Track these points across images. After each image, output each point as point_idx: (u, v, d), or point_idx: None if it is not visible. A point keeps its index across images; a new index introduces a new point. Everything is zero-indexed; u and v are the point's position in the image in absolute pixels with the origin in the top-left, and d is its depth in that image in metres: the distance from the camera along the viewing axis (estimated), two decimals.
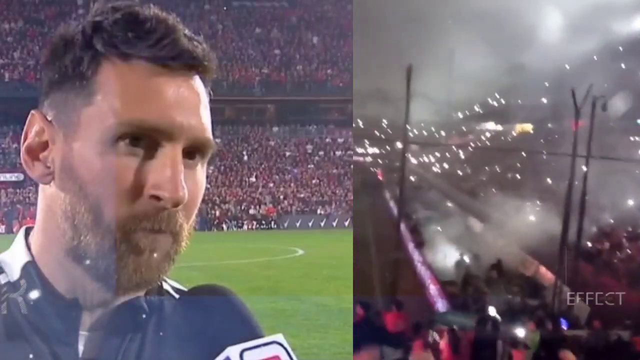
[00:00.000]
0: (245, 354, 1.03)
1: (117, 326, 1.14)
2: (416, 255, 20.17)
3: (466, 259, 19.70)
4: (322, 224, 49.72)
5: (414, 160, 29.00)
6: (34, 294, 1.11)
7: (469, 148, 30.03)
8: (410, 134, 19.38)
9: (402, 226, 19.26)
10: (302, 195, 52.90)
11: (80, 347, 1.12)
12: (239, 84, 58.15)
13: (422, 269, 18.88)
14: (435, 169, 30.88)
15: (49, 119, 1.12)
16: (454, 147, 30.59)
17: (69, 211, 1.09)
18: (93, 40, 1.10)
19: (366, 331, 10.20)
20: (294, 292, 18.72)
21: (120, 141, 1.07)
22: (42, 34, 57.38)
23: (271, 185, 53.76)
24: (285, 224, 49.97)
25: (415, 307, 14.63)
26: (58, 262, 1.12)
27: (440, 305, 15.77)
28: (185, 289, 1.24)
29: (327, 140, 58.70)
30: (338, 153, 57.17)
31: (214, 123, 1.17)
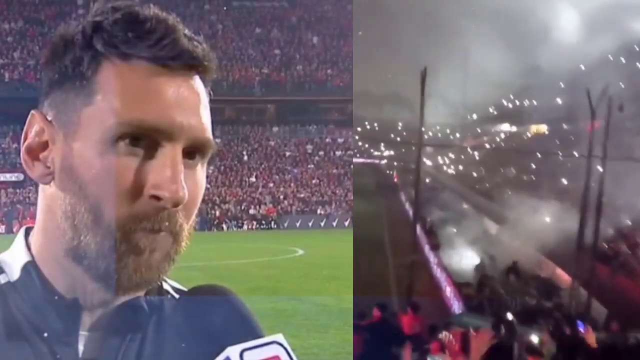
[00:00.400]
0: (245, 354, 1.03)
1: (117, 326, 1.14)
2: (432, 257, 20.14)
3: (482, 260, 19.66)
4: (322, 224, 49.75)
5: (429, 162, 28.96)
6: (34, 294, 1.12)
7: (484, 150, 29.93)
8: (425, 136, 19.36)
9: (418, 228, 19.23)
10: (302, 195, 52.93)
11: (80, 347, 1.12)
12: (239, 84, 58.23)
13: (438, 271, 18.84)
14: (450, 170, 30.84)
15: (49, 119, 1.13)
16: (469, 148, 30.53)
17: (69, 211, 1.09)
18: (93, 40, 1.10)
19: (383, 333, 10.19)
20: (294, 292, 18.74)
21: (120, 141, 1.07)
22: (42, 34, 57.52)
23: (271, 185, 53.82)
24: (285, 224, 50.00)
25: (431, 309, 14.61)
26: (58, 262, 1.13)
27: (456, 307, 15.74)
28: (185, 289, 1.24)
29: (327, 140, 58.74)
30: (338, 153, 57.23)
31: (214, 123, 1.17)
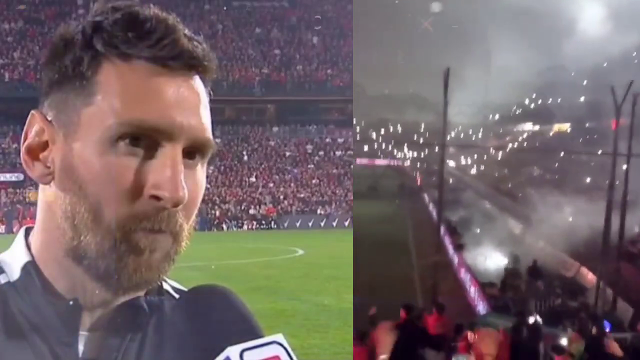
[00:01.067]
0: (245, 354, 1.03)
1: (117, 326, 1.14)
2: (456, 258, 20.08)
3: (506, 260, 19.57)
4: (322, 224, 49.94)
5: (452, 163, 28.85)
6: (34, 294, 1.12)
7: (507, 149, 29.80)
8: (448, 137, 19.28)
9: (442, 229, 19.17)
10: (302, 195, 53.13)
11: (80, 347, 1.13)
12: (239, 84, 58.49)
13: (462, 271, 18.78)
14: (473, 170, 30.70)
15: (49, 119, 1.13)
16: (491, 148, 30.39)
17: (69, 211, 1.10)
18: (93, 40, 1.10)
19: (409, 333, 10.19)
20: (294, 292, 18.77)
21: (120, 141, 1.07)
22: (42, 34, 58.03)
23: (271, 185, 54.05)
24: (285, 224, 50.26)
25: (456, 309, 14.56)
26: (58, 262, 1.13)
27: (481, 307, 15.67)
28: (185, 289, 1.23)
29: (327, 140, 58.84)
30: (338, 153, 57.29)
31: (214, 123, 1.17)
